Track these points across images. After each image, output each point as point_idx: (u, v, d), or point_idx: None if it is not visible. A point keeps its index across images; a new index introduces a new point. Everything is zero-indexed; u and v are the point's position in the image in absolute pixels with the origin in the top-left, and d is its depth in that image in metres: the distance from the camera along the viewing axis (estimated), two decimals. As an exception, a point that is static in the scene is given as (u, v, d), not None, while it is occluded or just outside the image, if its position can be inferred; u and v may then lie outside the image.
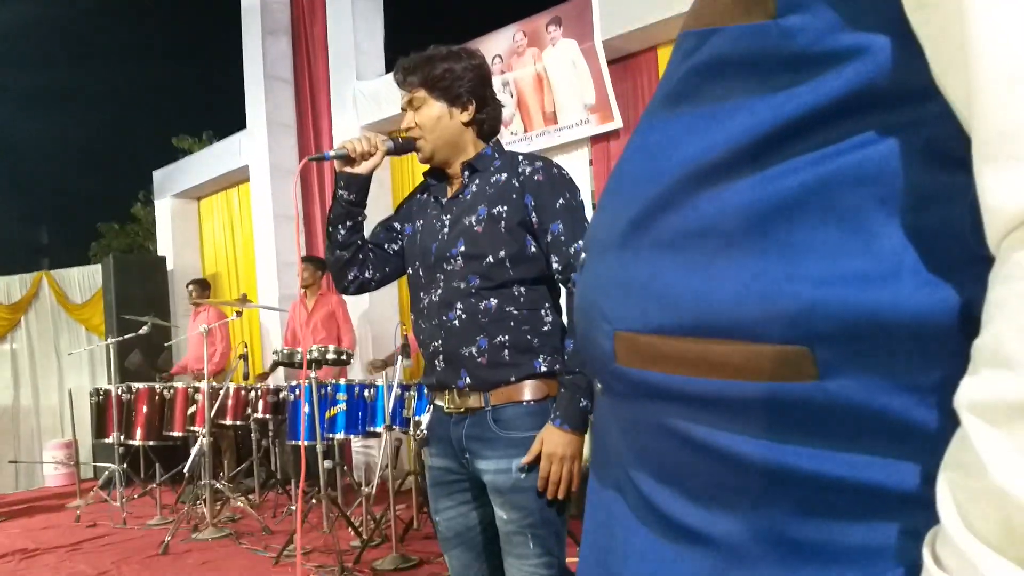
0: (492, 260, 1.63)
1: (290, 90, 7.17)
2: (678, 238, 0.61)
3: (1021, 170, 0.41)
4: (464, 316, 1.64)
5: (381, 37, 6.62)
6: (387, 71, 6.41)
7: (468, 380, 1.64)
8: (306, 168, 6.87)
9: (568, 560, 1.65)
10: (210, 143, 10.15)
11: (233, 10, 7.38)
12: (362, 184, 1.78)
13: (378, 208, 4.87)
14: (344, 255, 1.80)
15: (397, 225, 1.86)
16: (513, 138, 5.32)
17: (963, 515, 0.43)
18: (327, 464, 3.85)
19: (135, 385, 5.30)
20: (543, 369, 1.63)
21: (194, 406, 4.96)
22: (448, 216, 1.72)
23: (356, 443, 5.97)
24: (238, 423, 4.97)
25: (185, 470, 4.54)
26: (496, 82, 1.89)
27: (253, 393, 4.93)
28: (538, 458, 1.58)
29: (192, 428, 4.95)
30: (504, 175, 1.69)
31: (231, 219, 8.08)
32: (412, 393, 3.80)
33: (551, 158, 1.81)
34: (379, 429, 4.01)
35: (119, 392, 5.27)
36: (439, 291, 1.68)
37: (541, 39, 5.19)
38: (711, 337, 0.57)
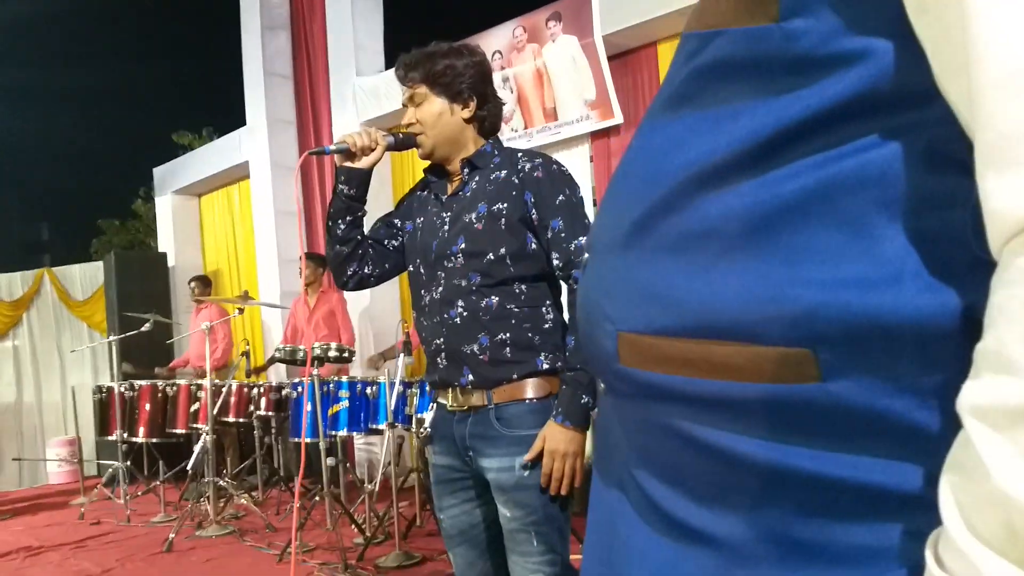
0: (492, 257, 1.64)
1: (290, 86, 7.16)
2: (681, 240, 0.61)
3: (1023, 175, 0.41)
4: (465, 314, 1.64)
5: (381, 33, 6.60)
6: (387, 67, 6.40)
7: (470, 378, 1.65)
8: (307, 164, 6.87)
9: (572, 557, 1.65)
10: (210, 139, 10.16)
11: (232, 6, 7.37)
12: (362, 179, 1.79)
13: (378, 204, 4.86)
14: (343, 250, 1.80)
15: (397, 222, 1.86)
16: (513, 134, 5.32)
17: (965, 517, 0.43)
18: (330, 461, 3.86)
19: (138, 382, 5.31)
20: (545, 367, 1.63)
21: (197, 403, 4.97)
22: (448, 213, 1.72)
23: (358, 440, 5.98)
24: (241, 420, 4.97)
25: (188, 467, 4.56)
26: (496, 78, 1.90)
27: (256, 390, 4.94)
28: (541, 455, 1.58)
29: (195, 425, 4.96)
30: (504, 172, 1.69)
31: (232, 215, 8.08)
32: (414, 390, 3.80)
33: (551, 154, 1.82)
34: (382, 426, 4.01)
35: (122, 389, 5.28)
36: (440, 289, 1.68)
37: (541, 35, 5.18)
38: (714, 339, 0.58)
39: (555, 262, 1.64)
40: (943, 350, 0.50)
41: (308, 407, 4.01)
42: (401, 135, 1.78)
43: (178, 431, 5.10)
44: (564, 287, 1.73)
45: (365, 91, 6.26)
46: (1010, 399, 0.41)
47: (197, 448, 4.47)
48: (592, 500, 0.78)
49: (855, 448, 0.53)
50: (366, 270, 1.83)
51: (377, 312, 6.20)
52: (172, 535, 4.19)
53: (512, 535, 1.63)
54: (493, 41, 5.38)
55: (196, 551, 4.11)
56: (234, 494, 4.76)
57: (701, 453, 0.60)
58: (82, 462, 6.25)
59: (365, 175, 1.79)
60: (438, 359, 1.70)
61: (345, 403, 4.08)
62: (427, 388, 3.71)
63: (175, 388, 5.16)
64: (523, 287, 1.65)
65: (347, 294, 5.58)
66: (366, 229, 1.85)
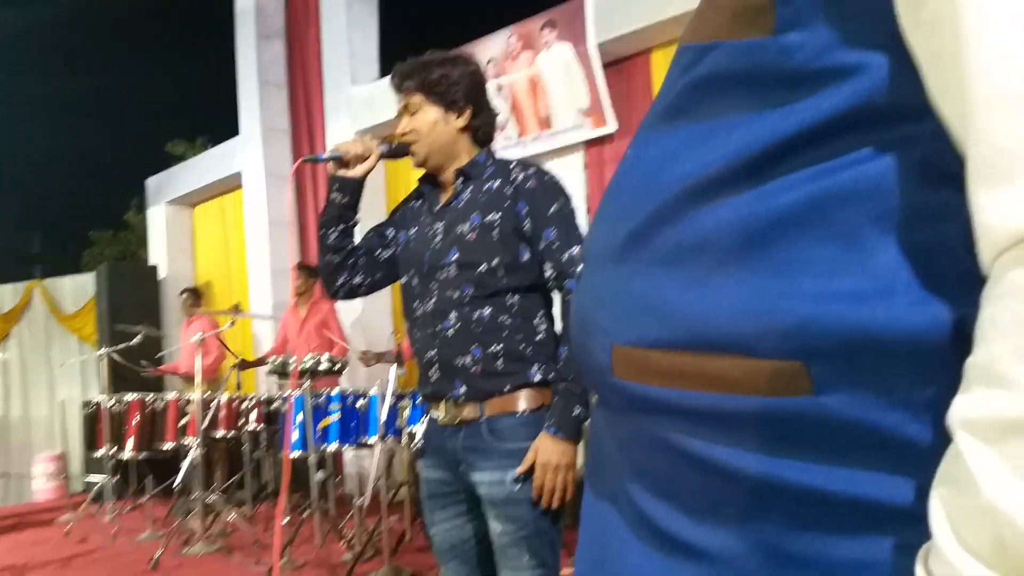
0: (485, 268, 1.63)
1: (284, 95, 7.16)
2: (676, 253, 0.61)
3: (1015, 190, 0.41)
4: (459, 325, 1.64)
5: (376, 41, 6.62)
6: (382, 76, 6.41)
7: (463, 390, 1.64)
8: (301, 174, 6.84)
9: (563, 572, 1.64)
10: (204, 149, 10.10)
11: (227, 15, 7.37)
12: (355, 187, 1.79)
13: (372, 213, 4.82)
14: (335, 259, 1.80)
15: (390, 232, 1.86)
16: (507, 143, 5.30)
17: (956, 531, 0.43)
18: (319, 476, 3.79)
19: (126, 396, 5.24)
20: (538, 378, 1.63)
21: (186, 417, 4.90)
22: (441, 224, 1.72)
23: (348, 454, 5.91)
24: (230, 434, 4.90)
25: (176, 484, 4.48)
26: (490, 86, 1.90)
27: (245, 404, 4.88)
28: (532, 468, 1.58)
29: (184, 440, 4.89)
30: (497, 182, 1.69)
31: (224, 226, 8.04)
32: (406, 402, 3.75)
33: (545, 162, 1.80)
34: (372, 439, 3.96)
35: (110, 404, 5.21)
36: (433, 300, 1.68)
37: (535, 42, 5.16)
38: (708, 352, 0.58)
39: (548, 272, 1.64)
40: (935, 363, 0.50)
41: (299, 419, 3.95)
42: (395, 144, 1.78)
43: (167, 445, 5.02)
44: (557, 298, 1.72)
45: (360, 100, 6.26)
46: (1001, 413, 0.41)
47: (185, 463, 4.39)
48: (584, 513, 0.78)
49: (847, 461, 0.54)
50: (356, 280, 1.83)
51: (368, 323, 6.16)
52: (159, 553, 4.13)
53: (503, 550, 1.62)
54: (487, 49, 5.37)
55: (183, 569, 4.06)
56: (222, 510, 4.68)
57: (694, 466, 0.60)
58: (68, 478, 6.16)
59: (358, 184, 1.80)
60: (430, 371, 1.69)
61: (336, 416, 4.02)
62: (418, 401, 3.65)
63: (163, 402, 5.09)
64: (516, 298, 1.65)
65: (338, 304, 5.53)
66: (359, 238, 1.85)
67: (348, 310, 5.90)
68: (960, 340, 0.48)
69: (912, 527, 0.50)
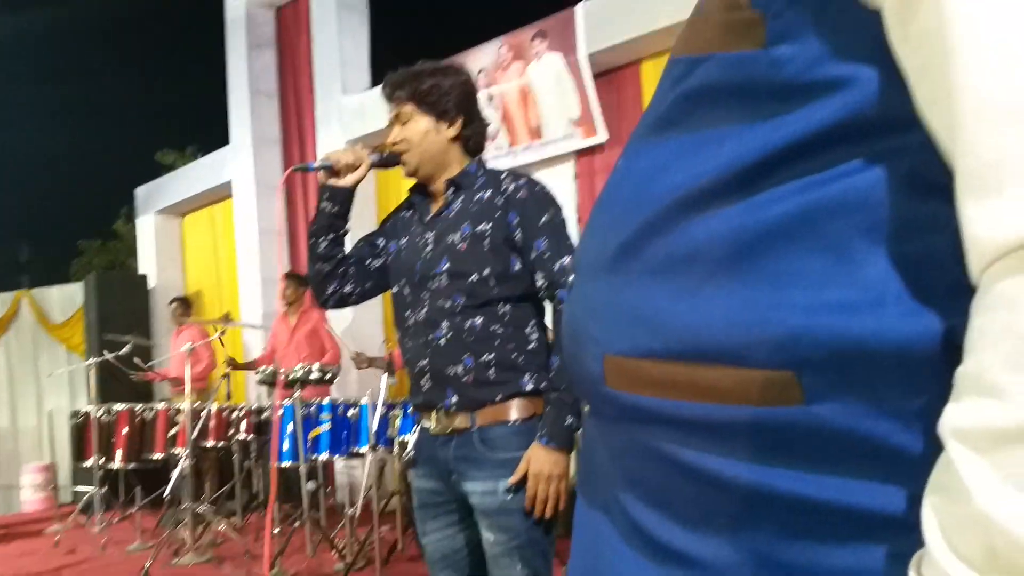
0: (477, 278, 1.63)
1: (275, 104, 7.16)
2: (667, 263, 0.61)
3: (1002, 202, 0.42)
4: (450, 335, 1.64)
5: (366, 51, 6.63)
6: (373, 85, 6.41)
7: (455, 399, 1.64)
8: (291, 183, 6.84)
9: None
10: (194, 158, 10.08)
11: (218, 24, 7.37)
12: (346, 196, 1.79)
13: (362, 222, 4.82)
14: (325, 267, 1.80)
15: (381, 241, 1.86)
16: (498, 152, 5.31)
17: (947, 539, 0.44)
18: (310, 485, 3.78)
19: (115, 406, 5.21)
20: (529, 387, 1.63)
21: (175, 427, 4.88)
22: (431, 234, 1.72)
23: (339, 463, 5.89)
24: (220, 444, 4.88)
25: (166, 494, 4.45)
26: (481, 96, 1.92)
27: (235, 414, 4.86)
28: (525, 478, 1.57)
29: (173, 450, 4.87)
30: (487, 192, 1.69)
31: (214, 235, 8.02)
32: (397, 412, 3.75)
33: (536, 172, 1.82)
34: (363, 449, 3.96)
35: (99, 414, 5.18)
36: (424, 310, 1.68)
37: (526, 53, 5.19)
38: (699, 362, 0.58)
39: (540, 282, 1.64)
40: (925, 373, 0.50)
41: (289, 429, 3.94)
42: (386, 153, 1.78)
43: (156, 456, 4.99)
44: (548, 307, 1.72)
45: (351, 109, 6.27)
46: (991, 422, 0.41)
47: (175, 474, 4.36)
48: (576, 522, 0.78)
49: (839, 470, 0.54)
50: (347, 289, 1.83)
51: (359, 332, 6.15)
52: (149, 563, 4.09)
53: (496, 559, 1.62)
54: (478, 59, 5.39)
55: (173, 579, 4.01)
56: (212, 520, 4.65)
57: (686, 476, 0.61)
58: (57, 488, 6.11)
59: (349, 193, 1.80)
60: (422, 381, 1.69)
61: (327, 425, 4.02)
62: (410, 410, 3.65)
63: (153, 412, 5.06)
64: (507, 308, 1.65)
65: (329, 313, 5.52)
66: (349, 248, 1.85)
67: (339, 319, 5.89)
68: (950, 350, 0.48)
69: (904, 535, 0.50)
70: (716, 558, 0.59)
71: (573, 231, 1.67)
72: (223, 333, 4.96)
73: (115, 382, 6.11)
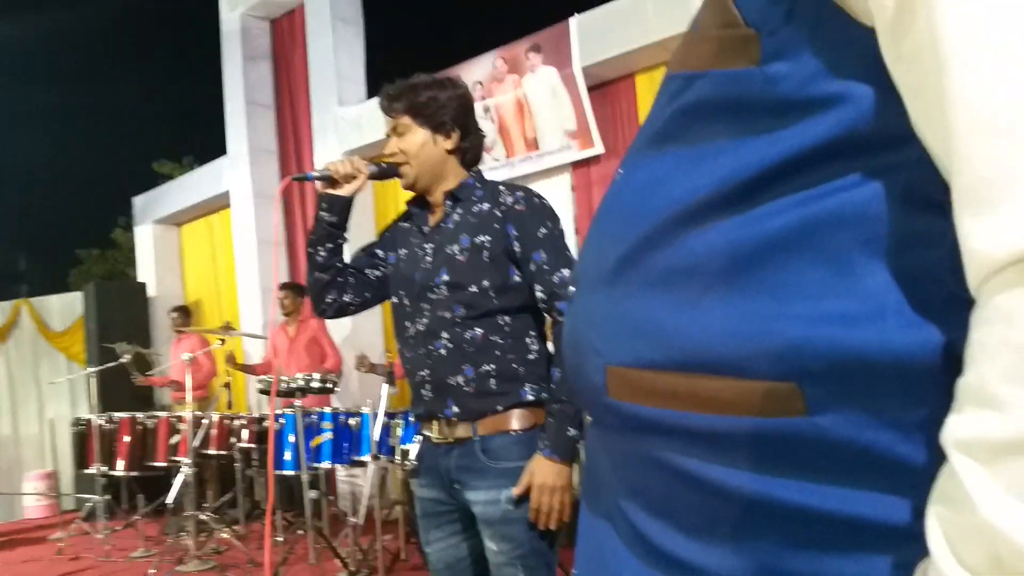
0: (476, 290, 1.64)
1: (271, 116, 7.19)
2: (667, 275, 0.62)
3: (999, 217, 0.43)
4: (451, 345, 1.65)
5: (362, 63, 6.65)
6: (368, 97, 6.44)
7: (455, 409, 1.65)
8: (289, 195, 6.87)
9: None
10: (191, 169, 10.13)
11: (214, 36, 7.40)
12: (344, 206, 1.80)
13: (361, 233, 4.88)
14: (323, 277, 1.81)
15: (380, 252, 1.87)
16: (495, 164, 5.35)
17: (952, 548, 0.44)
18: (312, 494, 3.82)
19: (117, 415, 5.24)
20: (530, 397, 1.64)
21: (177, 435, 4.90)
22: (430, 245, 1.73)
23: (341, 472, 5.93)
24: (222, 453, 4.91)
25: (168, 501, 4.49)
26: (477, 108, 1.92)
27: (237, 422, 4.88)
28: (528, 489, 1.58)
29: (175, 458, 4.89)
30: (486, 205, 1.70)
31: (213, 245, 8.04)
32: (398, 421, 3.78)
33: (533, 183, 1.86)
34: (365, 458, 3.97)
35: (100, 422, 5.21)
36: (424, 320, 1.69)
37: (521, 66, 5.24)
38: (701, 373, 0.59)
39: (539, 295, 1.65)
40: (925, 385, 0.51)
41: (291, 438, 3.97)
42: (384, 164, 1.80)
43: (158, 464, 5.02)
44: (547, 318, 1.74)
45: (347, 121, 6.29)
46: (992, 433, 0.42)
47: (177, 481, 4.40)
48: (580, 532, 0.79)
49: (841, 481, 0.54)
50: (345, 298, 1.84)
51: (359, 342, 6.17)
52: (152, 571, 4.13)
53: (499, 569, 1.63)
54: (474, 72, 5.43)
55: (176, 587, 4.04)
56: (215, 528, 4.69)
57: (689, 485, 0.61)
58: (60, 496, 6.14)
59: (347, 203, 1.81)
60: (423, 391, 1.70)
61: (328, 435, 4.04)
62: (411, 419, 3.69)
63: (155, 420, 5.09)
64: (507, 319, 1.66)
65: (328, 322, 5.55)
66: (347, 258, 1.86)
67: (339, 328, 5.89)
68: (950, 361, 0.49)
69: (907, 546, 0.51)
70: (719, 567, 0.60)
71: (571, 243, 1.68)
72: (223, 343, 5.00)
73: (116, 390, 6.14)
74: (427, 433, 1.74)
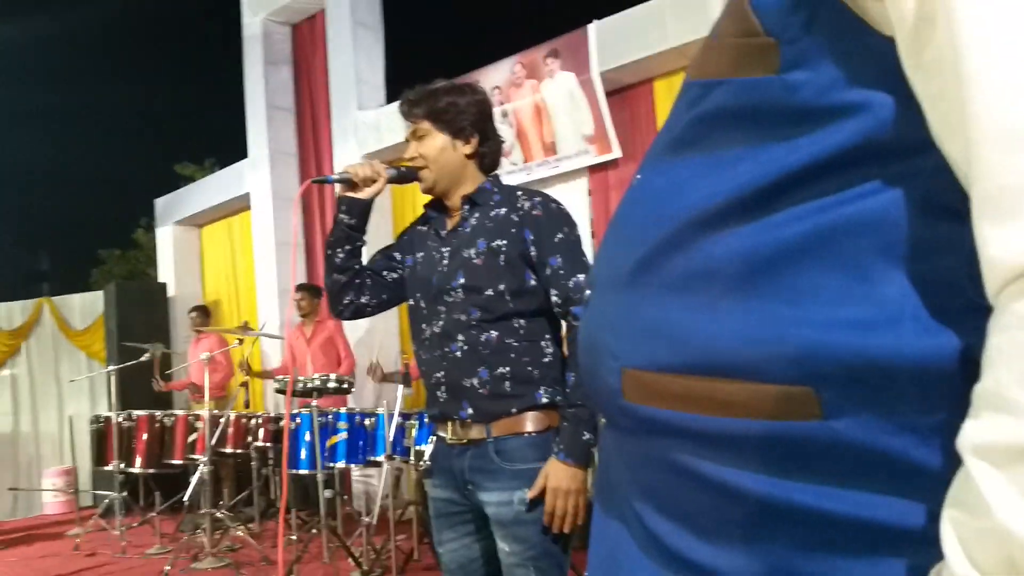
0: (492, 293, 1.66)
1: (292, 119, 7.24)
2: (685, 279, 0.63)
3: (1018, 225, 0.43)
4: (466, 348, 1.66)
5: (382, 68, 6.69)
6: (388, 101, 6.47)
7: (470, 411, 1.66)
8: (308, 197, 6.93)
9: None
10: (212, 171, 10.23)
11: (235, 40, 7.48)
12: (363, 209, 1.82)
13: (379, 236, 4.90)
14: (341, 279, 1.82)
15: (397, 255, 1.88)
16: (513, 168, 5.36)
17: (967, 552, 0.45)
18: (327, 493, 3.84)
19: (135, 412, 5.29)
20: (544, 400, 1.65)
21: (194, 434, 4.95)
22: (447, 248, 1.75)
23: (356, 472, 5.96)
24: (238, 451, 4.95)
25: (185, 499, 4.53)
26: (495, 112, 1.93)
27: (254, 421, 4.92)
28: (543, 493, 1.59)
29: (192, 456, 4.94)
30: (503, 210, 1.71)
31: (232, 246, 8.11)
32: (413, 422, 3.80)
33: (550, 188, 1.87)
34: (380, 458, 3.99)
35: (119, 419, 5.27)
36: (440, 323, 1.70)
37: (539, 71, 5.26)
38: (717, 376, 0.59)
39: (554, 299, 1.66)
40: (941, 390, 0.51)
41: (307, 437, 4.00)
42: (404, 168, 1.81)
43: (175, 462, 5.07)
44: (563, 322, 1.74)
45: (366, 125, 6.33)
46: (1009, 438, 0.43)
47: (194, 479, 4.45)
48: (593, 534, 0.79)
49: (856, 485, 0.55)
50: (363, 300, 1.85)
51: (375, 343, 6.19)
52: (168, 567, 4.15)
53: (511, 570, 1.63)
54: (492, 77, 5.46)
55: (191, 584, 4.07)
56: (231, 526, 4.73)
57: (703, 488, 0.61)
58: (78, 492, 6.20)
59: (366, 205, 1.82)
60: (438, 392, 1.71)
61: (344, 435, 4.07)
62: (426, 420, 3.71)
63: (172, 419, 5.14)
64: (522, 322, 1.67)
65: (345, 323, 5.58)
66: (365, 260, 1.87)
67: (354, 329, 5.91)
68: (966, 367, 0.49)
69: (921, 549, 0.51)
70: (731, 569, 0.60)
71: (587, 247, 1.71)
72: (241, 343, 5.04)
73: (135, 388, 6.21)
74: (441, 434, 1.75)
